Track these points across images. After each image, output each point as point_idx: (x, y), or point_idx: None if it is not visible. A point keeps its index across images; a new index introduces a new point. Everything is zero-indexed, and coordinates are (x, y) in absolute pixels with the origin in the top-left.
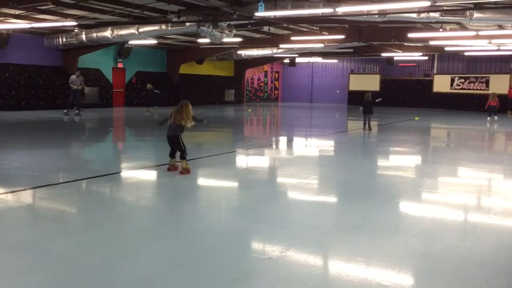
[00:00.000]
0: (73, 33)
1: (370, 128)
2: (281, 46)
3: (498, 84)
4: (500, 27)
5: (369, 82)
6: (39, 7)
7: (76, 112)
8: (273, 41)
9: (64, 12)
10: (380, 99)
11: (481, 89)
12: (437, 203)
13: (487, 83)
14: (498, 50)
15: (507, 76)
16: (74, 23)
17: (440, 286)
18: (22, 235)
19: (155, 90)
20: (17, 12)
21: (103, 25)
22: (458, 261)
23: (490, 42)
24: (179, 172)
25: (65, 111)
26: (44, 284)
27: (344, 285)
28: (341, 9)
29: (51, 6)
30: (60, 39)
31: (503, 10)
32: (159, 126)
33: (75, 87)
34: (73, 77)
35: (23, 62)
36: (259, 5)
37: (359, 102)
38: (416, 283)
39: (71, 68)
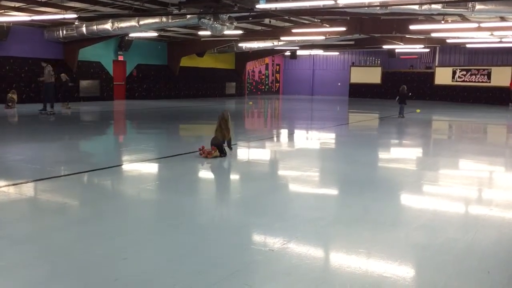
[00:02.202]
0: (74, 25)
1: (403, 116)
2: (282, 38)
3: (500, 77)
4: (502, 19)
5: (371, 75)
6: (39, 0)
7: (51, 110)
8: (274, 33)
9: (64, 4)
10: (411, 94)
11: (483, 82)
12: (438, 195)
13: (488, 75)
14: (500, 42)
15: (509, 68)
16: (75, 16)
17: (442, 278)
18: (24, 228)
19: (70, 83)
20: (17, 4)
21: (104, 17)
22: (459, 253)
23: (492, 34)
24: (201, 152)
25: (39, 109)
26: (46, 276)
27: (346, 277)
28: (342, 1)
29: None
30: (60, 31)
31: (505, 1)
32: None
33: (48, 80)
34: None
35: (23, 55)
36: None
37: (396, 93)
38: (418, 275)
39: (72, 61)
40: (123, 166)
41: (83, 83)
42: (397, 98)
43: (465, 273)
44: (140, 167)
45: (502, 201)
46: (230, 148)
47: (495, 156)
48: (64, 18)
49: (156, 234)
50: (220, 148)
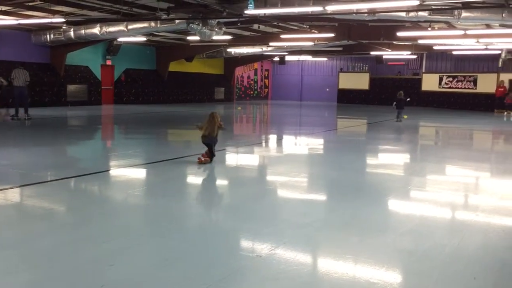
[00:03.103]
0: (61, 29)
1: (401, 120)
2: (271, 44)
3: (486, 83)
4: (488, 26)
5: (359, 81)
6: (26, 3)
7: (15, 115)
8: (263, 39)
9: (52, 8)
10: (409, 99)
11: (469, 88)
12: (425, 201)
13: (474, 82)
14: (486, 49)
15: (495, 75)
16: (62, 20)
17: (428, 283)
18: (10, 234)
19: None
20: (4, 8)
21: (92, 22)
22: (446, 258)
23: (478, 41)
24: (199, 159)
25: (11, 114)
26: (32, 283)
27: (333, 282)
28: (331, 8)
29: (39, 2)
30: (47, 35)
31: (490, 9)
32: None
33: (16, 84)
34: (16, 71)
35: (10, 58)
36: (249, 2)
37: (395, 99)
38: (404, 281)
39: (60, 65)
40: (110, 172)
41: (71, 87)
42: (394, 104)
43: (452, 279)
44: (128, 173)
45: (487, 207)
46: (223, 128)
47: (481, 162)
48: (52, 22)
49: (143, 240)
50: (210, 148)
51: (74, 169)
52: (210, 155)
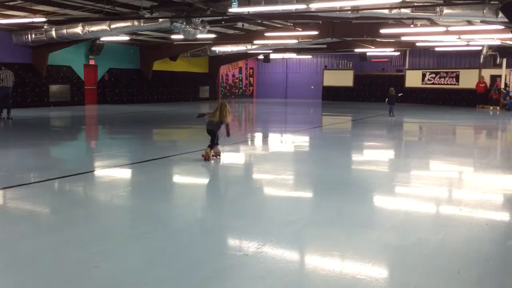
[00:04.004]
0: (43, 29)
1: (393, 115)
2: (255, 42)
3: (468, 79)
4: (469, 23)
5: (343, 78)
6: (7, 3)
7: (9, 117)
8: (247, 37)
9: (33, 8)
10: (401, 94)
11: (451, 84)
12: (409, 196)
13: (457, 77)
14: (467, 45)
15: (476, 71)
16: (44, 19)
17: (413, 278)
18: None
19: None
20: None
21: (74, 21)
22: (430, 253)
23: (459, 38)
24: (213, 155)
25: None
26: (16, 286)
27: (320, 279)
28: (314, 5)
29: (20, 1)
30: (29, 35)
31: (471, 6)
32: (196, 117)
33: (9, 84)
34: (4, 73)
35: None
36: (233, 1)
37: (385, 96)
38: (390, 276)
39: (42, 65)
40: (95, 172)
41: (53, 87)
42: (386, 100)
43: (436, 273)
44: (112, 173)
45: (471, 201)
46: (228, 135)
47: (464, 157)
48: (33, 22)
49: (129, 241)
50: (214, 134)
51: (58, 170)
52: (211, 144)
